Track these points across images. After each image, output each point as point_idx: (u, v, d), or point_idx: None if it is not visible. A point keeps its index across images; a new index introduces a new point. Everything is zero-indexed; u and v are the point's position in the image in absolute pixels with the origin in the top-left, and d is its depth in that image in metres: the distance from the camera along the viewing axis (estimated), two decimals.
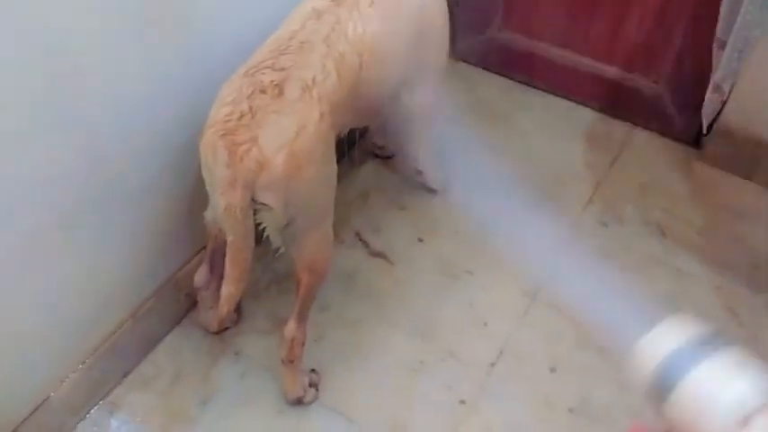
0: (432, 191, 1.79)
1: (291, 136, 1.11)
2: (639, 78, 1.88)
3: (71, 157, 1.15)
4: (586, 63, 1.94)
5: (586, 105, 2.02)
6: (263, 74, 1.16)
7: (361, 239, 1.69)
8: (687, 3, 1.66)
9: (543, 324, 1.53)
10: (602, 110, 2.00)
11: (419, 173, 1.74)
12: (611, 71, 1.92)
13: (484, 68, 2.14)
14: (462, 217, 1.74)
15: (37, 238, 1.14)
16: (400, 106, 1.51)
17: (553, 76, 2.03)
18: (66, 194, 1.16)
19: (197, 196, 1.32)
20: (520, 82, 2.10)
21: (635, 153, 1.91)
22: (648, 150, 1.92)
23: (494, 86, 2.11)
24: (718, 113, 1.74)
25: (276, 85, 1.14)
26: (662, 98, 1.87)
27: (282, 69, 1.16)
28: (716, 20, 1.63)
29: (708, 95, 1.24)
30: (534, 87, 2.08)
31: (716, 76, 1.18)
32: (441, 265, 1.64)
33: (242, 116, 1.12)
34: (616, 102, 1.96)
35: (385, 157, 1.89)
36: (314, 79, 1.17)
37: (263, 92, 1.13)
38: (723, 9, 1.14)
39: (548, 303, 1.56)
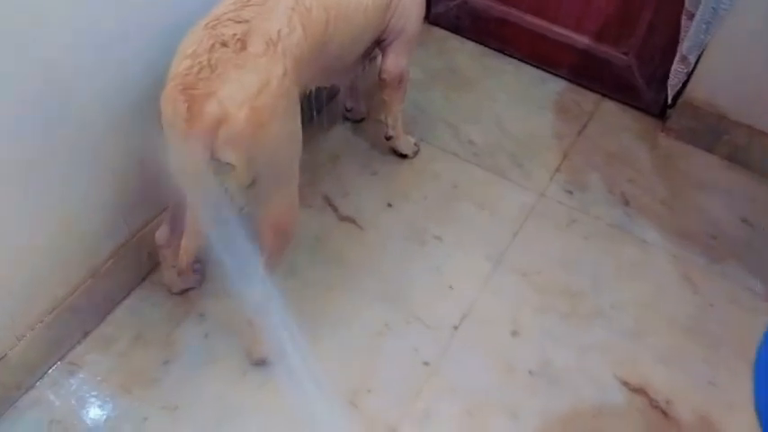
0: (402, 156, 1.78)
1: (254, 92, 1.08)
2: (609, 49, 1.89)
3: (33, 97, 1.10)
4: (558, 32, 1.94)
5: (557, 74, 2.02)
6: (225, 26, 1.12)
7: (330, 204, 1.67)
8: None
9: (507, 289, 1.55)
10: (571, 79, 2.01)
11: (389, 138, 1.72)
12: (581, 41, 1.92)
13: (457, 34, 2.12)
14: (430, 183, 1.75)
15: None
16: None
17: (525, 43, 2.02)
18: (25, 148, 1.12)
19: (160, 151, 1.28)
20: (492, 48, 2.09)
21: (602, 123, 1.93)
22: (615, 121, 1.94)
23: (466, 52, 2.10)
24: (684, 86, 1.77)
25: (239, 39, 1.11)
26: (631, 70, 1.88)
27: (245, 22, 1.12)
28: None
29: (674, 66, 1.25)
30: (506, 55, 2.08)
31: (683, 47, 1.19)
32: (409, 230, 1.64)
33: (201, 69, 1.07)
34: (586, 72, 1.97)
35: (355, 121, 1.87)
36: (279, 33, 1.14)
37: (224, 45, 1.10)
38: None
39: (511, 268, 1.58)
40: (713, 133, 1.80)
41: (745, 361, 0.98)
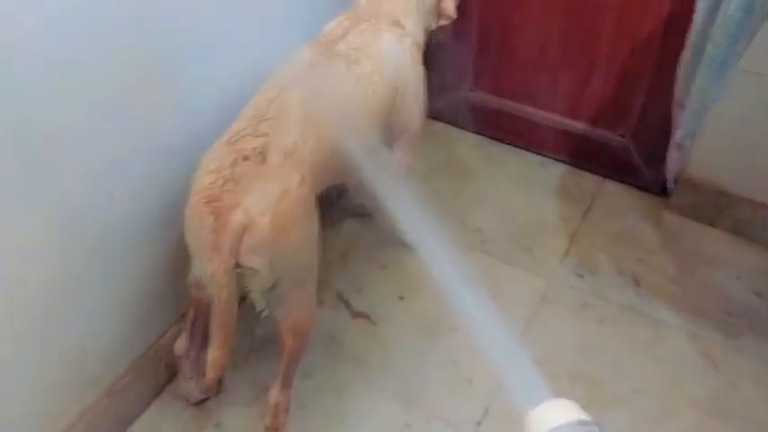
0: (411, 247, 1.81)
1: (275, 200, 1.13)
2: (606, 133, 1.95)
3: (46, 228, 1.14)
4: (555, 119, 2.01)
5: (557, 159, 2.08)
6: (245, 141, 1.19)
7: (343, 300, 1.69)
8: (648, 63, 1.75)
9: None
10: (571, 163, 2.06)
11: (396, 230, 1.76)
12: (578, 126, 1.98)
13: (457, 127, 2.20)
14: (442, 273, 1.76)
15: (9, 315, 1.13)
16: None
17: (524, 132, 2.09)
18: (39, 268, 1.16)
19: (173, 263, 1.32)
20: (492, 138, 2.16)
21: (606, 204, 1.96)
22: (618, 201, 1.97)
23: (467, 143, 2.17)
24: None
25: (259, 152, 1.17)
26: (628, 151, 1.94)
27: (264, 135, 1.19)
28: (674, 79, 1.73)
29: (670, 153, 1.29)
30: (506, 143, 2.14)
31: (677, 136, 1.23)
32: (423, 322, 1.64)
33: (225, 182, 1.13)
34: (585, 155, 2.02)
35: (363, 216, 1.91)
36: (294, 144, 1.20)
37: (246, 159, 1.16)
38: (680, 73, 1.20)
39: (531, 357, 1.57)
40: (715, 208, 1.83)
41: None
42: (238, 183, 1.13)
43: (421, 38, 1.51)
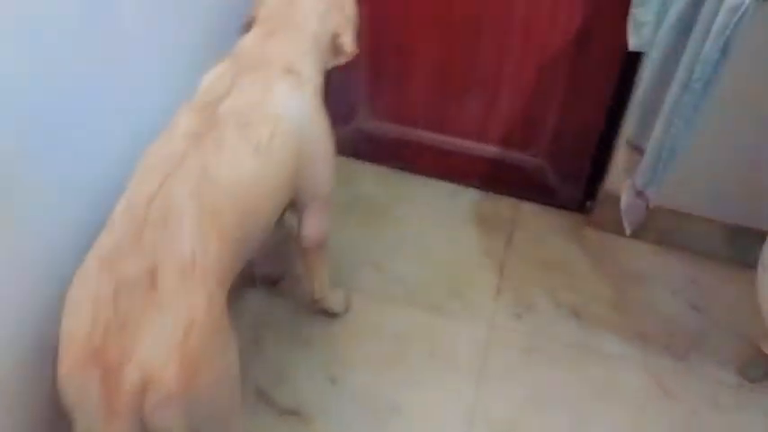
0: (332, 314, 1.58)
1: (178, 340, 0.87)
2: (518, 154, 1.83)
3: None
4: (462, 144, 1.86)
5: (468, 185, 1.94)
6: (125, 262, 0.91)
7: (263, 396, 1.43)
8: (559, 79, 1.64)
9: None
10: (484, 188, 1.93)
11: (316, 302, 1.53)
12: (488, 150, 1.85)
13: (357, 158, 1.99)
14: (371, 339, 1.56)
15: None
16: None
17: (429, 160, 1.93)
18: None
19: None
20: (397, 168, 1.98)
21: (526, 229, 1.85)
22: (538, 224, 1.86)
23: (370, 177, 1.96)
24: (602, 179, 1.74)
25: (146, 274, 0.90)
26: (543, 171, 1.83)
27: (149, 251, 0.92)
28: (587, 92, 1.63)
29: (626, 199, 1.18)
30: (413, 173, 1.96)
31: (637, 183, 1.11)
32: (363, 407, 1.43)
33: (108, 326, 0.86)
34: (498, 179, 1.89)
35: (271, 283, 1.66)
36: (192, 254, 0.94)
37: (130, 288, 0.88)
38: (634, 114, 1.08)
39: (487, 427, 1.41)
40: None
41: None
42: (125, 325, 0.86)
43: (320, 82, 1.27)
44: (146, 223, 0.94)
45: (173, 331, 0.87)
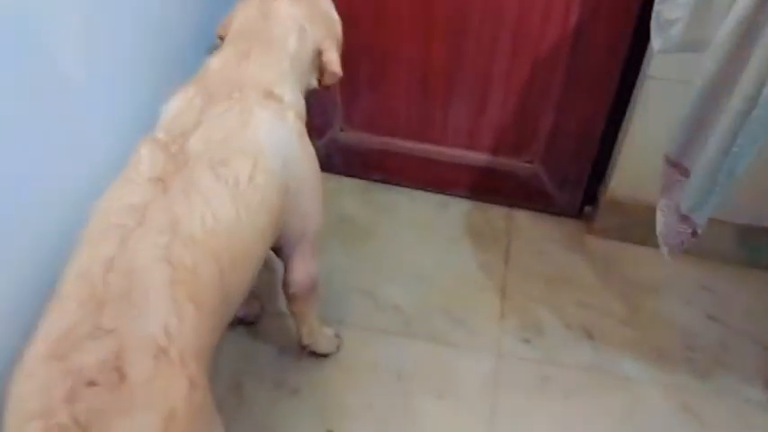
0: (322, 356, 1.42)
1: None
2: (511, 161, 1.68)
3: None
4: (449, 153, 1.70)
5: (457, 196, 1.78)
6: (82, 351, 0.72)
7: None
8: (555, 79, 1.49)
9: None
10: (475, 198, 1.78)
11: (305, 347, 1.36)
12: (478, 157, 1.69)
13: (333, 173, 1.81)
14: (369, 381, 1.40)
15: None
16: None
17: (413, 171, 1.76)
18: None
19: None
20: (379, 182, 1.81)
21: (524, 240, 1.70)
22: (536, 233, 1.72)
23: (349, 193, 1.79)
24: (605, 184, 1.61)
25: (111, 366, 0.72)
26: (538, 177, 1.69)
27: (110, 333, 0.74)
28: (586, 92, 1.49)
29: (667, 221, 1.03)
30: (397, 186, 1.80)
31: (682, 206, 0.97)
32: None
33: None
34: (490, 187, 1.74)
35: (249, 324, 1.47)
36: (165, 329, 0.76)
37: (91, 384, 0.70)
38: (680, 129, 0.94)
39: None
40: (643, 226, 1.63)
41: None
42: (88, 430, 0.68)
43: (303, 106, 1.09)
44: (105, 296, 0.76)
45: (150, 428, 0.70)
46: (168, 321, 0.77)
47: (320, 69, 1.12)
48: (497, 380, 1.41)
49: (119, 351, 0.73)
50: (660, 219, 1.07)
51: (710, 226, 1.60)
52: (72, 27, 0.92)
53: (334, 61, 1.11)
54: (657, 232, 1.08)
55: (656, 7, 0.97)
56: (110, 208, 0.86)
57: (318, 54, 1.10)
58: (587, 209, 1.73)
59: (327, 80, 1.13)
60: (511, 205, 1.77)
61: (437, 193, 1.79)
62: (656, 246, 1.67)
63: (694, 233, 0.99)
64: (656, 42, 0.98)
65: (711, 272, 1.63)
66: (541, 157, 1.65)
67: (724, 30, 0.79)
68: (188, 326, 0.79)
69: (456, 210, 1.77)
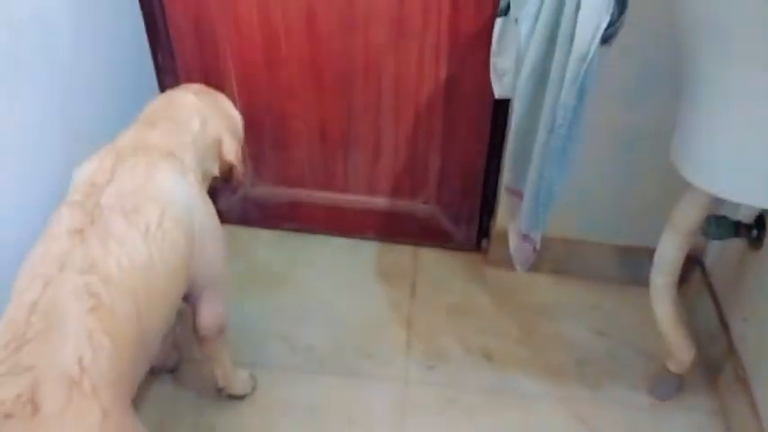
0: (239, 397, 1.49)
1: None
2: (408, 202, 1.83)
3: None
4: (353, 199, 1.84)
5: (366, 238, 1.91)
6: (2, 386, 0.80)
7: None
8: (434, 126, 1.65)
9: None
10: (382, 239, 1.91)
11: (221, 389, 1.44)
12: (379, 202, 1.83)
13: (247, 225, 1.92)
14: (283, 418, 1.48)
15: None
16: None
17: (323, 218, 1.89)
18: None
19: None
20: (291, 230, 1.92)
21: (428, 275, 1.83)
22: (439, 268, 1.86)
23: (264, 243, 1.90)
24: (492, 218, 1.76)
25: (26, 399, 0.79)
26: (435, 216, 1.84)
27: (29, 370, 0.82)
28: (463, 137, 1.66)
29: (515, 243, 1.18)
30: (307, 233, 1.92)
31: (520, 225, 1.12)
32: None
33: None
34: (393, 228, 1.88)
35: (170, 371, 1.54)
36: (80, 362, 0.84)
37: (8, 417, 0.78)
38: (509, 161, 1.09)
39: None
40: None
41: None
42: None
43: (202, 177, 1.21)
44: (26, 336, 0.84)
45: None
46: (83, 354, 0.85)
47: (221, 159, 1.25)
48: (405, 405, 1.51)
49: (34, 385, 0.80)
50: (511, 240, 1.21)
51: (593, 249, 1.77)
52: None
53: (232, 151, 1.24)
54: (510, 252, 1.22)
55: (492, 59, 1.14)
56: (35, 261, 0.95)
57: (218, 144, 1.23)
58: (484, 242, 1.88)
59: (236, 180, 1.27)
60: (416, 243, 1.91)
61: (347, 237, 1.92)
62: (545, 271, 1.84)
63: (534, 249, 1.13)
64: (495, 89, 1.14)
65: (598, 291, 1.78)
66: (435, 197, 1.80)
67: (522, 76, 0.95)
68: (103, 357, 0.87)
69: (366, 251, 1.89)
